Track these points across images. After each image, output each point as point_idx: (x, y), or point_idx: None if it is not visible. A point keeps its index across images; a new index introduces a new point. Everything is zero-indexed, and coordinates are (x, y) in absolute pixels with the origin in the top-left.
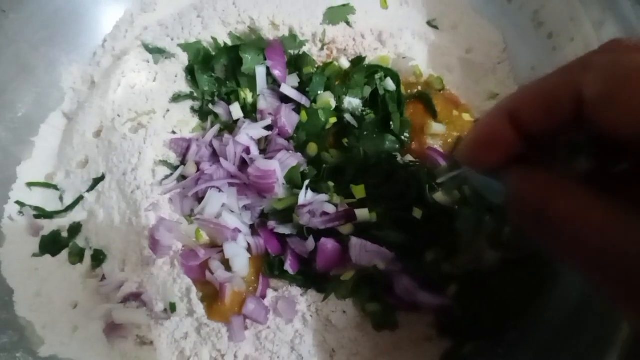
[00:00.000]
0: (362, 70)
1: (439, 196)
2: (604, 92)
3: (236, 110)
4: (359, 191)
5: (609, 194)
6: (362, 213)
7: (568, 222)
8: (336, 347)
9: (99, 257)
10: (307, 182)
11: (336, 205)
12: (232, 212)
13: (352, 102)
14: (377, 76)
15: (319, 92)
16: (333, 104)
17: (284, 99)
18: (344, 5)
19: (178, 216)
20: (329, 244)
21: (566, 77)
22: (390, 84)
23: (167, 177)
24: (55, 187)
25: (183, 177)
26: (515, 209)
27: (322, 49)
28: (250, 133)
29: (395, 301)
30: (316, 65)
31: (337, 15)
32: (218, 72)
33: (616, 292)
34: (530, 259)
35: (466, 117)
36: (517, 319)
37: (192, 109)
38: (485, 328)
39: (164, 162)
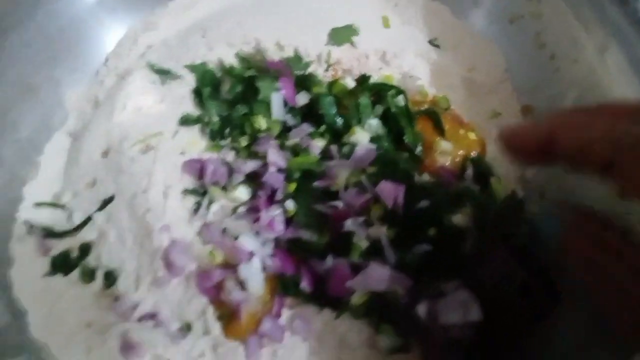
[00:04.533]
0: (368, 89)
1: (458, 219)
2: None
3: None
4: (377, 209)
5: None
6: (380, 231)
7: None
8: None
9: (111, 277)
10: None
11: None
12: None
13: (372, 123)
14: (389, 93)
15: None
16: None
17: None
18: (347, 26)
19: (191, 237)
20: (343, 267)
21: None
22: (400, 100)
23: (196, 204)
24: (63, 207)
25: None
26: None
27: (327, 69)
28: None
29: (408, 326)
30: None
31: (341, 37)
32: (225, 95)
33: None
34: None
35: (471, 136)
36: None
37: (202, 130)
38: (492, 350)
39: (190, 191)
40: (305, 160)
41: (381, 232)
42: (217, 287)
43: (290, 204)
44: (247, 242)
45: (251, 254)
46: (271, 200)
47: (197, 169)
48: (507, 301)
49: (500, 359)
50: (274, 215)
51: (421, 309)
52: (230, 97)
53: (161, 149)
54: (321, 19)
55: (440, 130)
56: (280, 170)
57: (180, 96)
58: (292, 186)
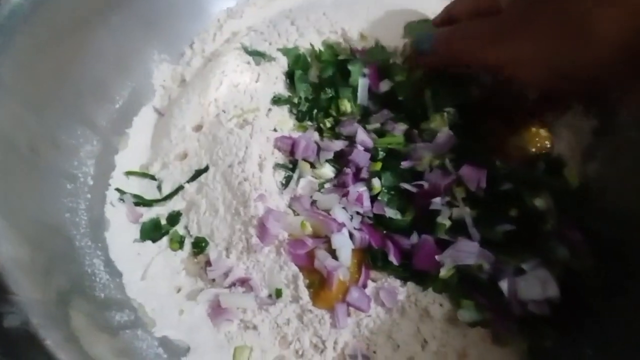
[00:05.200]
0: (446, 80)
1: (539, 202)
2: None
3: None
4: (460, 191)
5: None
6: (464, 211)
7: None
8: (428, 338)
9: (200, 245)
10: None
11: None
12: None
13: (450, 111)
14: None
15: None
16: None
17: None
18: (422, 21)
19: (283, 208)
20: (429, 242)
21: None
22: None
23: (286, 177)
24: (152, 177)
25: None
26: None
27: (404, 62)
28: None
29: (488, 301)
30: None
31: (417, 31)
32: (312, 78)
33: None
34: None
35: (542, 132)
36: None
37: (290, 110)
38: (564, 325)
39: (280, 165)
40: (392, 141)
41: (465, 212)
42: (307, 255)
43: (376, 182)
44: (340, 213)
45: (342, 225)
46: (356, 177)
47: (289, 144)
48: (581, 278)
49: (572, 333)
50: (362, 191)
51: (503, 285)
52: (318, 81)
53: (257, 124)
54: (396, 14)
55: (514, 125)
56: (366, 150)
57: (274, 76)
58: (378, 165)
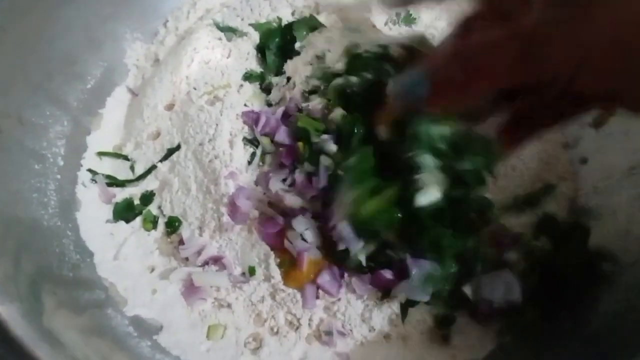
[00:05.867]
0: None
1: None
2: None
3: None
4: None
5: None
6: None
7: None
8: (404, 324)
9: (173, 224)
10: None
11: None
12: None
13: None
14: None
15: None
16: None
17: None
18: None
19: (253, 185)
20: (382, 276)
21: None
22: None
23: (252, 155)
24: (125, 158)
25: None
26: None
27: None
28: None
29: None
30: None
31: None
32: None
33: None
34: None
35: None
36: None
37: (261, 86)
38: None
39: (247, 141)
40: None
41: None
42: (278, 234)
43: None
44: (292, 199)
45: (303, 209)
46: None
47: (254, 119)
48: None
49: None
50: (304, 175)
51: (467, 290)
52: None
53: (227, 101)
54: None
55: None
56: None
57: (246, 52)
58: (301, 145)
